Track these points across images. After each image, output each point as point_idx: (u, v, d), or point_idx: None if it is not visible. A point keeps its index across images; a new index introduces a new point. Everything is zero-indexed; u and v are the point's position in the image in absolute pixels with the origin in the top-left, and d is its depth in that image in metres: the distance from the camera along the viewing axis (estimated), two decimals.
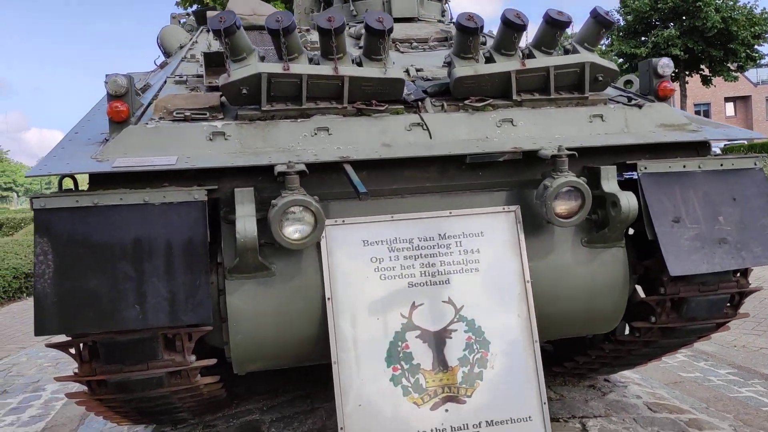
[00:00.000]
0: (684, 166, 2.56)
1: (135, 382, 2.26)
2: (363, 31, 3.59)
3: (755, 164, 2.63)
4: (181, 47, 3.84)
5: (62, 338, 2.25)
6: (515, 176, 2.60)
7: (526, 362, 2.49)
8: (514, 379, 2.47)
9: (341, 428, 2.35)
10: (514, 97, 2.67)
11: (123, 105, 2.36)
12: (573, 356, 3.34)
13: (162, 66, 3.76)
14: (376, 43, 2.55)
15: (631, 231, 2.76)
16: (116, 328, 2.11)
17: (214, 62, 2.89)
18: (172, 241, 2.18)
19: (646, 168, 2.53)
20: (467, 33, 2.59)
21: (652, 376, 4.06)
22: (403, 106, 2.64)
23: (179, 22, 4.50)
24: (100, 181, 2.27)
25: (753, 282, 2.78)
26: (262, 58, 2.54)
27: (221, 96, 2.59)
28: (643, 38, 22.45)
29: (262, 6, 4.34)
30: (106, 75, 2.40)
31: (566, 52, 2.77)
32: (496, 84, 2.68)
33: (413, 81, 2.95)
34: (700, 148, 2.72)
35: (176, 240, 2.18)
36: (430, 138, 2.53)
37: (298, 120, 2.50)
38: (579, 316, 2.65)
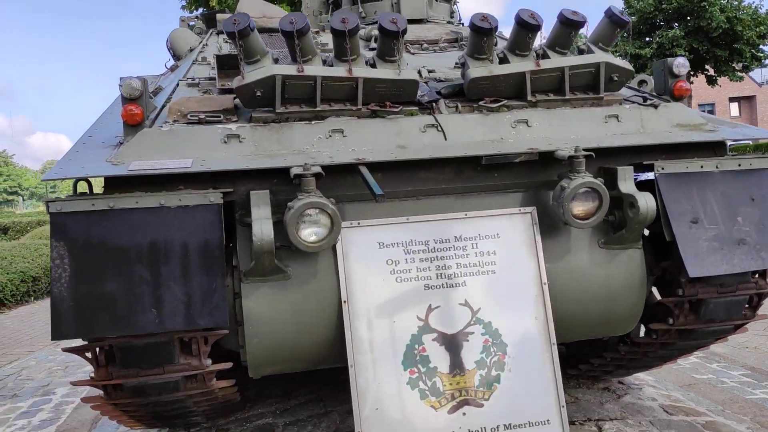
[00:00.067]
0: (701, 167, 2.54)
1: (151, 386, 2.25)
2: (373, 32, 3.62)
3: None
4: (191, 50, 3.84)
5: (78, 342, 2.24)
6: (531, 177, 2.58)
7: (543, 365, 2.47)
8: (532, 382, 2.45)
9: None
10: (529, 97, 2.66)
11: (137, 108, 2.36)
12: (587, 358, 3.31)
13: (172, 69, 3.76)
14: (390, 44, 2.53)
15: (646, 232, 2.73)
16: (133, 332, 2.10)
17: (226, 65, 2.88)
18: (188, 244, 2.17)
19: (663, 168, 2.51)
20: (481, 33, 2.58)
21: (666, 378, 4.02)
22: (417, 108, 2.62)
23: (188, 25, 4.49)
24: (115, 184, 2.26)
25: None
26: (276, 60, 2.54)
27: (235, 98, 2.58)
28: (647, 39, 22.40)
29: (271, 9, 4.34)
30: (120, 78, 2.40)
31: (580, 52, 2.76)
32: (511, 85, 2.67)
33: (426, 82, 2.94)
34: (717, 148, 2.70)
35: (192, 243, 2.17)
36: (445, 139, 2.51)
37: (312, 122, 2.49)
38: (596, 318, 2.63)
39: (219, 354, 2.45)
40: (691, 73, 23.14)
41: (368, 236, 2.46)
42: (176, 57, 4.05)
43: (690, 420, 3.15)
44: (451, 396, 2.40)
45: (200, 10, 13.12)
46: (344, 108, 2.54)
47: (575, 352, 3.51)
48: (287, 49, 2.51)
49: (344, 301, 2.39)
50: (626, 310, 2.65)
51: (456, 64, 3.22)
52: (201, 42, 3.90)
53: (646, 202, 2.39)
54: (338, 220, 2.22)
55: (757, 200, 2.53)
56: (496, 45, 3.05)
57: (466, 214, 2.53)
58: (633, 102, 2.80)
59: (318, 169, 2.22)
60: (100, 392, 2.35)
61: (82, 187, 2.39)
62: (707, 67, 22.82)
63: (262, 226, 2.18)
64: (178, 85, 2.98)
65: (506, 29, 3.77)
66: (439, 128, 2.54)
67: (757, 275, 2.66)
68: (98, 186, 2.48)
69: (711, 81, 23.53)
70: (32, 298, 8.83)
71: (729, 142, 2.73)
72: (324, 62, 2.56)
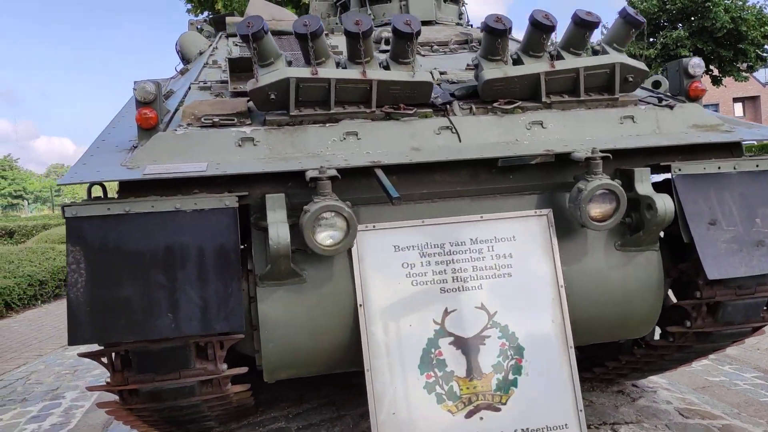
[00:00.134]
0: (719, 168, 2.52)
1: (167, 391, 2.24)
2: (383, 34, 3.60)
3: None
4: (201, 53, 3.83)
5: (94, 347, 2.23)
6: (546, 179, 2.56)
7: (561, 368, 2.45)
8: (550, 386, 2.43)
9: None
10: (544, 99, 2.64)
11: (152, 112, 2.35)
12: (602, 361, 3.29)
13: (182, 72, 3.75)
14: (403, 45, 2.52)
15: (661, 233, 2.71)
16: (149, 336, 2.09)
17: (238, 68, 2.88)
18: (204, 248, 2.16)
19: (680, 170, 2.49)
20: (495, 35, 2.56)
21: (679, 380, 4.00)
22: (431, 110, 2.61)
23: (197, 28, 4.49)
24: (129, 188, 2.25)
25: None
26: (290, 63, 2.52)
27: (248, 101, 2.57)
28: (651, 39, 22.35)
29: (281, 12, 4.34)
30: (135, 82, 2.39)
31: (595, 53, 2.74)
32: (525, 86, 2.65)
33: (438, 84, 2.92)
34: (734, 149, 2.68)
35: (208, 247, 2.16)
36: (460, 141, 2.50)
37: (327, 125, 2.48)
38: (613, 321, 2.61)
39: (232, 358, 2.44)
40: None
41: (383, 239, 2.44)
42: (186, 60, 4.04)
43: (706, 423, 3.13)
44: (468, 400, 2.38)
45: (205, 13, 13.14)
46: (358, 110, 2.53)
47: (588, 355, 3.49)
48: (297, 51, 2.50)
49: (360, 305, 2.38)
50: (643, 312, 2.63)
51: (468, 65, 3.20)
52: (211, 45, 3.90)
53: (664, 203, 2.37)
54: (354, 223, 2.20)
55: None
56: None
57: (481, 217, 2.51)
58: (648, 103, 2.78)
59: (334, 172, 2.21)
60: (112, 396, 2.34)
61: (98, 192, 2.38)
62: (711, 67, 22.73)
63: (278, 229, 2.17)
64: (190, 88, 2.97)
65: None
66: (454, 130, 2.52)
67: None
68: (111, 190, 2.47)
69: (715, 81, 23.43)
70: (39, 301, 8.84)
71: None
72: (337, 65, 2.54)
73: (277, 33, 3.87)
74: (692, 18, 21.41)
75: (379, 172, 2.28)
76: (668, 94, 2.92)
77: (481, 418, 2.37)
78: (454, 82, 2.97)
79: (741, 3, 21.36)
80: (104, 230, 2.11)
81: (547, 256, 2.51)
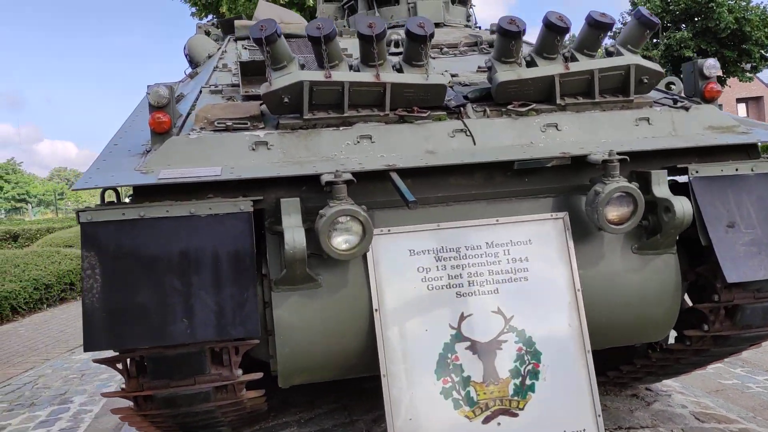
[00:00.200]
0: (736, 170, 2.49)
1: (182, 397, 2.22)
2: (393, 37, 3.58)
3: None
4: (210, 57, 3.82)
5: (109, 353, 2.21)
6: (562, 182, 2.54)
7: (578, 373, 2.42)
8: (567, 391, 2.41)
9: None
10: (558, 101, 2.62)
11: (165, 116, 2.33)
12: (615, 365, 3.26)
13: (191, 76, 3.74)
14: (417, 48, 2.51)
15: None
16: (165, 342, 2.07)
17: (249, 71, 2.86)
18: (219, 253, 2.15)
19: (697, 172, 2.47)
20: (510, 37, 2.55)
21: (693, 384, 3.96)
22: (445, 112, 2.59)
23: (205, 32, 4.48)
24: (143, 192, 2.24)
25: None
26: (302, 66, 2.51)
27: (261, 105, 2.55)
28: (655, 40, 22.32)
29: (289, 14, 4.33)
30: (148, 86, 2.37)
31: (609, 54, 2.72)
32: (539, 88, 2.63)
33: (451, 86, 2.91)
34: (750, 151, 2.65)
35: (223, 252, 2.15)
36: (474, 144, 2.48)
37: (340, 128, 2.47)
38: (630, 325, 2.58)
39: (245, 364, 2.42)
40: None
41: (399, 243, 2.42)
42: (194, 64, 4.03)
43: (723, 428, 3.10)
44: (486, 406, 2.35)
45: (210, 17, 13.15)
46: (372, 114, 2.51)
47: (602, 359, 3.46)
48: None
49: (375, 310, 2.36)
50: (661, 316, 2.60)
51: (479, 67, 3.19)
52: (219, 48, 3.88)
53: (682, 206, 2.35)
54: (370, 227, 2.18)
55: None
56: None
57: (497, 220, 2.49)
58: (663, 104, 2.75)
59: (349, 176, 2.19)
60: (123, 401, 2.32)
61: (105, 195, 2.37)
62: None
63: (294, 234, 2.15)
64: (201, 92, 2.96)
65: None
66: (468, 133, 2.51)
67: None
68: (124, 194, 2.46)
69: (720, 82, 23.37)
70: (45, 305, 8.84)
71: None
72: (350, 67, 2.53)
73: (286, 36, 3.86)
74: (696, 19, 21.39)
75: (395, 176, 2.26)
76: (682, 95, 2.90)
77: (499, 424, 2.35)
78: (465, 85, 2.95)
79: (745, 3, 21.33)
80: (119, 235, 2.10)
81: (564, 260, 2.49)
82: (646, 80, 2.69)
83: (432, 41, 3.73)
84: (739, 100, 39.42)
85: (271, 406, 3.40)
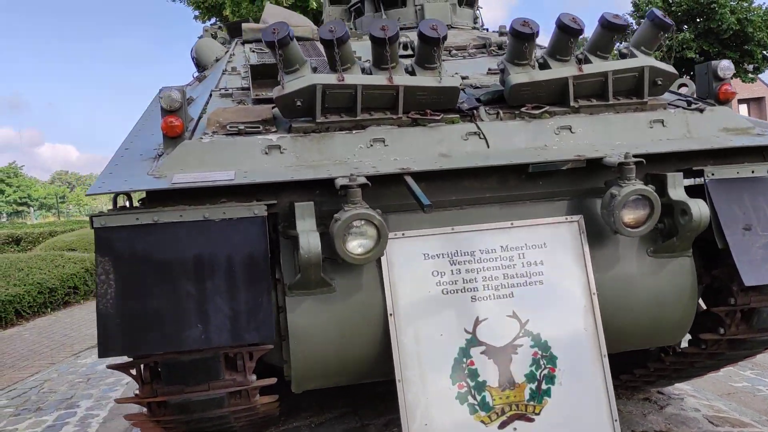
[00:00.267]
0: (752, 172, 2.48)
1: (196, 402, 2.21)
2: (402, 39, 3.57)
3: None
4: (217, 60, 3.81)
5: (123, 358, 2.19)
6: (577, 185, 2.53)
7: (594, 377, 2.40)
8: (584, 395, 2.38)
9: None
10: (572, 103, 2.60)
11: (177, 120, 2.32)
12: (629, 368, 3.24)
13: (200, 79, 3.73)
14: (430, 51, 2.49)
15: None
16: (180, 348, 2.06)
17: (260, 74, 2.85)
18: (233, 257, 2.13)
19: (713, 174, 2.45)
20: (522, 39, 2.53)
21: (705, 387, 3.94)
22: (458, 115, 2.58)
23: (212, 35, 4.46)
24: (156, 197, 2.23)
25: None
26: (315, 69, 2.50)
27: (273, 108, 2.54)
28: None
29: (295, 17, 4.31)
30: (160, 89, 2.36)
31: (623, 56, 2.70)
32: (553, 90, 2.61)
33: (462, 89, 2.89)
34: (766, 153, 2.63)
35: (237, 257, 2.13)
36: (488, 147, 2.46)
37: (353, 131, 2.45)
38: (646, 328, 2.56)
39: (257, 369, 2.40)
40: None
41: (413, 247, 2.41)
42: (201, 67, 4.02)
43: (737, 431, 3.07)
44: (502, 410, 2.33)
45: (213, 20, 13.15)
46: (384, 117, 2.50)
47: (615, 362, 3.44)
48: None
49: (390, 314, 2.34)
50: (677, 319, 2.58)
51: (490, 70, 3.17)
52: (227, 52, 3.87)
53: (699, 209, 2.33)
54: (385, 231, 2.17)
55: None
56: None
57: (511, 224, 2.48)
58: (677, 106, 2.74)
59: (364, 180, 2.17)
60: (134, 407, 2.30)
61: (117, 200, 2.35)
62: None
63: (309, 238, 2.13)
64: (211, 95, 2.94)
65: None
66: (481, 136, 2.49)
67: None
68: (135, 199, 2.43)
69: None
70: (49, 309, 8.82)
71: None
72: (362, 70, 2.51)
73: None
74: (698, 19, 21.36)
75: (409, 180, 2.25)
76: (696, 97, 2.88)
77: (515, 429, 2.33)
78: (477, 87, 2.93)
79: (747, 4, 21.29)
80: (133, 240, 2.08)
81: (579, 263, 2.47)
82: (659, 82, 2.68)
83: None
84: (741, 101, 39.35)
85: (282, 411, 3.38)
